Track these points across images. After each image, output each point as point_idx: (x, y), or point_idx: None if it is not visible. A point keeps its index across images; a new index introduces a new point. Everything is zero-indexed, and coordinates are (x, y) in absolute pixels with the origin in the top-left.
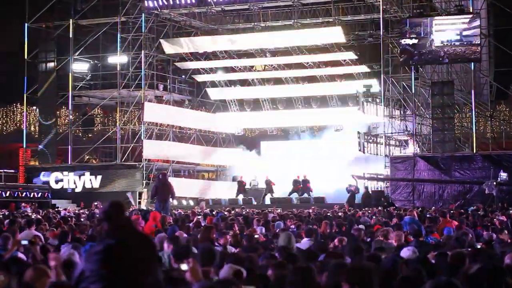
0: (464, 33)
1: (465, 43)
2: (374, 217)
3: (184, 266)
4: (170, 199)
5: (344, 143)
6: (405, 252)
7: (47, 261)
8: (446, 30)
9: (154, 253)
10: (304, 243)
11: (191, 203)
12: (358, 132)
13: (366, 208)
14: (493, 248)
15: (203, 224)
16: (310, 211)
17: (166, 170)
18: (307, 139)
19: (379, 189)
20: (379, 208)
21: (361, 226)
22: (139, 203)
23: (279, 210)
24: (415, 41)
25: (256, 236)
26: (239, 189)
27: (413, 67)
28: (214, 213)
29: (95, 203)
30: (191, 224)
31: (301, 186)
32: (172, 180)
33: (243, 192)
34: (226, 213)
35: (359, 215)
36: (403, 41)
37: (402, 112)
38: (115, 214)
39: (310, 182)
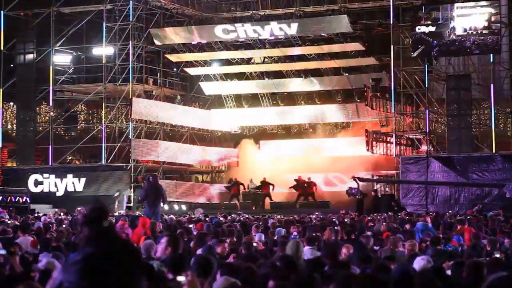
0: (494, 18)
1: (495, 31)
2: (384, 223)
3: (181, 278)
4: (161, 204)
5: (350, 142)
6: (419, 262)
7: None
8: (471, 15)
9: (139, 263)
10: (306, 251)
11: (184, 208)
12: (366, 131)
13: (375, 214)
14: None
15: (194, 231)
16: (314, 216)
17: (157, 171)
18: (310, 137)
19: (389, 192)
20: (389, 213)
21: (369, 233)
22: (127, 207)
23: (278, 216)
24: (432, 28)
25: (254, 244)
26: (234, 191)
27: (426, 59)
28: (207, 219)
29: (78, 208)
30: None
31: (302, 190)
32: (162, 183)
33: (238, 195)
34: (221, 219)
35: (367, 221)
36: (417, 29)
37: (414, 109)
38: (96, 219)
39: (315, 185)
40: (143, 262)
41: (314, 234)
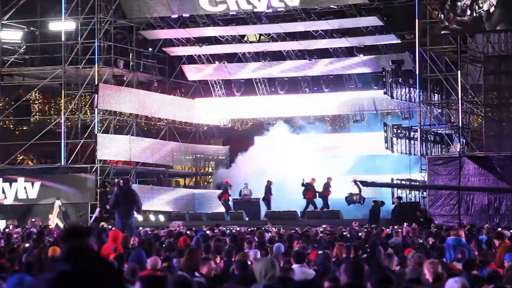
0: None
1: None
2: (408, 237)
3: None
4: (135, 213)
5: (366, 139)
6: (451, 285)
7: None
8: None
9: (121, 286)
10: (295, 270)
11: (161, 218)
12: (385, 124)
13: (396, 226)
14: None
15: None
16: (321, 229)
17: (129, 174)
18: (317, 132)
19: (413, 200)
20: (413, 225)
21: (390, 251)
22: (94, 219)
23: (274, 229)
24: None
25: (249, 262)
26: (226, 197)
27: (459, 36)
28: (188, 232)
29: (32, 219)
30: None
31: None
32: (135, 188)
33: (227, 200)
34: (208, 232)
35: (385, 234)
36: None
37: (444, 97)
38: (78, 234)
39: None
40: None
41: (321, 251)
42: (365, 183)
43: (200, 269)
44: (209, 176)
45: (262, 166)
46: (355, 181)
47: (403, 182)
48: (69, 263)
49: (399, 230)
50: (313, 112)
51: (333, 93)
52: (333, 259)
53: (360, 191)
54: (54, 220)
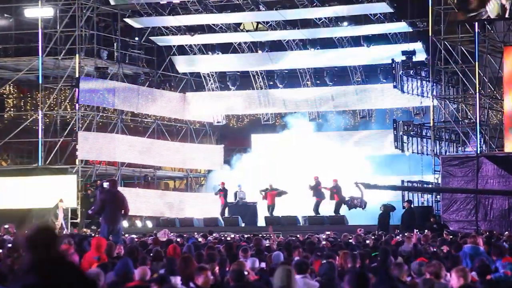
0: None
1: None
2: (419, 245)
3: None
4: (122, 219)
5: (373, 137)
6: None
7: None
8: None
9: None
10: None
11: (149, 224)
12: (395, 121)
13: (406, 233)
14: None
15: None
16: (324, 236)
17: (113, 176)
18: (320, 130)
19: (426, 204)
20: (426, 231)
21: (400, 260)
22: (74, 225)
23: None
24: None
25: (246, 272)
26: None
27: (477, 23)
28: (179, 239)
29: (5, 226)
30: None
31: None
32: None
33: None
34: (200, 239)
35: (395, 241)
36: None
37: (460, 91)
38: (43, 242)
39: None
40: None
41: (324, 261)
42: (368, 186)
43: (195, 280)
44: (202, 178)
45: (260, 166)
46: (356, 183)
47: (415, 184)
48: (34, 275)
49: (411, 236)
50: (315, 108)
51: (338, 87)
52: (338, 269)
53: (362, 194)
54: (59, 225)
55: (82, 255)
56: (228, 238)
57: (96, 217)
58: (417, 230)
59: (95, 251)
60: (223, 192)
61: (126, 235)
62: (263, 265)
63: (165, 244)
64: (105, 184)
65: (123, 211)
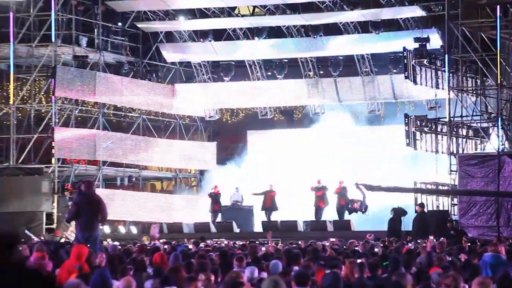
0: None
1: None
2: (433, 253)
3: None
4: (100, 225)
5: (382, 133)
6: None
7: None
8: None
9: None
10: None
11: (134, 230)
12: (406, 116)
13: (420, 240)
14: None
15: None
16: (328, 244)
17: (94, 177)
18: (323, 126)
19: (441, 208)
20: (441, 238)
21: (414, 271)
22: (49, 231)
23: (271, 243)
24: None
25: (241, 280)
26: (217, 207)
27: (499, 7)
28: (166, 247)
29: None
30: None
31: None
32: (102, 194)
33: (217, 211)
34: (191, 246)
35: (406, 249)
36: None
37: (479, 82)
38: (2, 248)
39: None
40: None
41: (328, 270)
42: (370, 187)
43: None
44: (192, 179)
45: (257, 166)
46: (357, 185)
47: (428, 186)
48: None
49: (423, 245)
50: (319, 101)
51: (343, 78)
52: (344, 280)
53: (364, 197)
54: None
55: (59, 264)
56: (223, 245)
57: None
58: (431, 237)
59: (75, 259)
60: (216, 196)
61: (107, 242)
62: (265, 274)
63: (151, 252)
64: (81, 186)
65: (100, 216)
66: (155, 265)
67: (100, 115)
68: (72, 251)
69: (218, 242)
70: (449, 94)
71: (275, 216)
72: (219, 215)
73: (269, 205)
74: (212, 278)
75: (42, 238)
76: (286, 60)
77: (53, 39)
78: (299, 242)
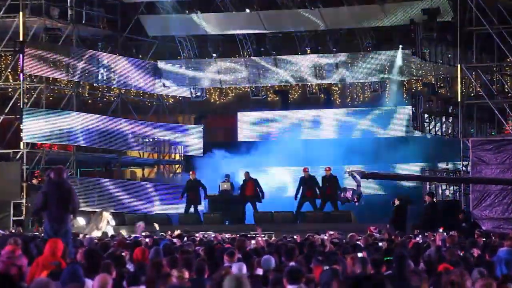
0: None
1: None
2: (443, 247)
3: None
4: (71, 216)
5: (386, 115)
6: None
7: None
8: None
9: None
10: None
11: (112, 222)
12: (414, 96)
13: (427, 233)
14: None
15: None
16: (326, 237)
17: (66, 163)
18: (321, 107)
19: (452, 198)
20: (452, 232)
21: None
22: (19, 224)
23: (263, 237)
24: None
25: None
26: (192, 196)
27: None
28: (148, 240)
29: None
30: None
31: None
32: (75, 182)
33: (195, 203)
34: (175, 240)
35: (413, 244)
36: None
37: (495, 59)
38: None
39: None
40: None
41: (327, 267)
42: (365, 175)
43: None
44: (177, 166)
45: (248, 151)
46: (351, 172)
47: (438, 173)
48: None
49: (432, 238)
50: (315, 80)
51: (343, 54)
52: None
53: (358, 185)
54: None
55: (30, 259)
56: (212, 238)
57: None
58: (440, 230)
59: (50, 254)
60: (192, 183)
61: (81, 236)
62: (260, 271)
63: (132, 246)
64: (50, 174)
65: (70, 207)
66: (135, 261)
67: (73, 95)
68: (47, 245)
69: (205, 236)
70: (461, 72)
71: (269, 207)
72: (199, 206)
73: (251, 193)
74: (187, 275)
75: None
76: (280, 35)
77: (21, 10)
78: (295, 236)
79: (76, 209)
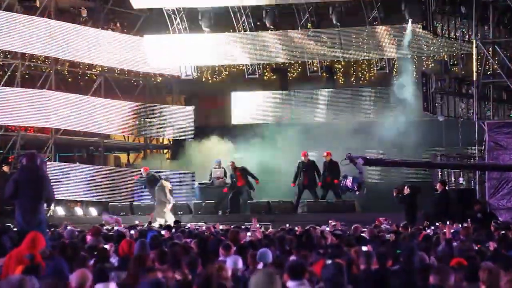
0: None
1: None
2: (455, 240)
3: None
4: (45, 205)
5: (394, 96)
6: None
7: None
8: None
9: None
10: None
11: (93, 212)
12: (424, 74)
13: (439, 223)
14: None
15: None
16: (328, 228)
17: (44, 148)
18: (323, 87)
19: (465, 186)
20: (467, 222)
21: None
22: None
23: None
24: None
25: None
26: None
27: None
28: (133, 231)
29: None
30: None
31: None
32: (51, 168)
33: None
34: (163, 232)
35: (423, 236)
36: None
37: None
38: None
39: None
40: None
41: (329, 261)
42: (368, 160)
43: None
44: (166, 151)
45: (243, 135)
46: (350, 157)
47: (451, 160)
48: None
49: (444, 230)
50: (317, 56)
51: (347, 28)
52: (348, 272)
53: (360, 172)
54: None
55: (3, 252)
56: (203, 230)
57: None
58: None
59: (27, 248)
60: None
61: (61, 228)
62: (260, 266)
63: (116, 238)
64: (22, 160)
65: (45, 196)
66: (121, 255)
67: (52, 73)
68: (27, 237)
69: (197, 227)
70: (476, 47)
71: (266, 195)
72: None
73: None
74: (170, 274)
75: None
76: (279, 7)
77: None
78: (296, 228)
79: (51, 198)
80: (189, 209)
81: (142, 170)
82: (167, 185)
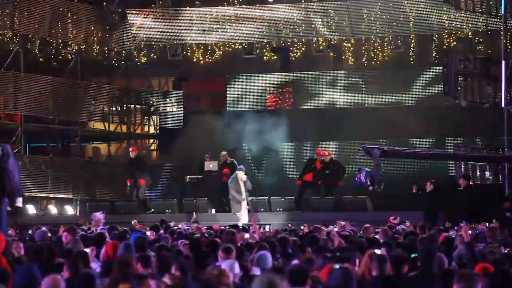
0: None
1: None
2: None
3: None
4: (7, 201)
5: (411, 79)
6: None
7: None
8: None
9: None
10: None
11: (69, 211)
12: (445, 54)
13: (463, 223)
14: None
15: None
16: (336, 229)
17: (13, 137)
18: (329, 68)
19: (491, 181)
20: (492, 222)
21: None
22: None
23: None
24: None
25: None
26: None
27: None
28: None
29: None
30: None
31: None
32: (23, 161)
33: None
34: (149, 233)
35: (444, 238)
36: None
37: None
38: None
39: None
40: None
41: (337, 265)
42: (385, 152)
43: None
44: (151, 141)
45: (239, 123)
46: (365, 147)
47: (476, 152)
48: None
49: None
50: (323, 35)
51: (357, 1)
52: (357, 279)
53: (377, 164)
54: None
55: None
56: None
57: None
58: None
59: None
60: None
61: (32, 230)
62: (257, 271)
63: (95, 240)
64: None
65: (7, 189)
66: (105, 260)
67: (21, 52)
68: None
69: (187, 228)
70: (505, 24)
71: (266, 193)
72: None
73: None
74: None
75: None
76: None
77: None
78: (302, 227)
79: (14, 192)
80: (179, 207)
81: (130, 149)
82: (242, 176)
